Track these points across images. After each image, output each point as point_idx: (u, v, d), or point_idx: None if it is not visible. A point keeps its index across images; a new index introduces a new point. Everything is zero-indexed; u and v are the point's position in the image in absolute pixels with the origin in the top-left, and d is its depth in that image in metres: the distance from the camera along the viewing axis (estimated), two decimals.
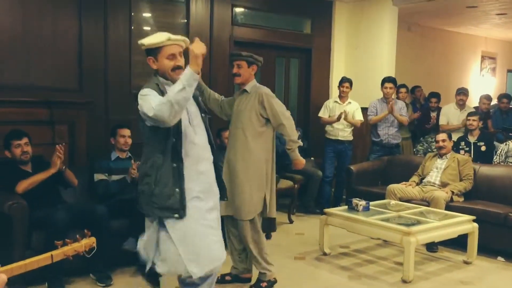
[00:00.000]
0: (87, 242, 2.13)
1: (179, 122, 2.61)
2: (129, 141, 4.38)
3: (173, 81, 2.62)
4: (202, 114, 2.83)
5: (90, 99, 4.86)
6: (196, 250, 2.64)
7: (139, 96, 2.62)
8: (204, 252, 2.66)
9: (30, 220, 3.62)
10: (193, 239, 2.64)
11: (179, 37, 2.69)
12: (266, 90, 3.59)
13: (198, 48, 2.48)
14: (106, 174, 4.22)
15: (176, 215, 2.63)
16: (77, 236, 2.12)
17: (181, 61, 2.69)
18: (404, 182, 5.32)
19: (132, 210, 3.96)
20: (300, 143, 3.71)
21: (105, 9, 5.06)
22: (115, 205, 4.02)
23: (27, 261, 1.97)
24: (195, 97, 2.80)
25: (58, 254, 2.03)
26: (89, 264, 3.76)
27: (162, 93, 2.62)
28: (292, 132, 3.59)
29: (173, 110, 2.44)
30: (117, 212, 3.97)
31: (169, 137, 2.63)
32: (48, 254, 2.00)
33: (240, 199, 3.52)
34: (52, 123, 4.51)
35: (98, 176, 4.19)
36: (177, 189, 2.62)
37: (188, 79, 2.44)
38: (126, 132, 4.37)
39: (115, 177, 4.22)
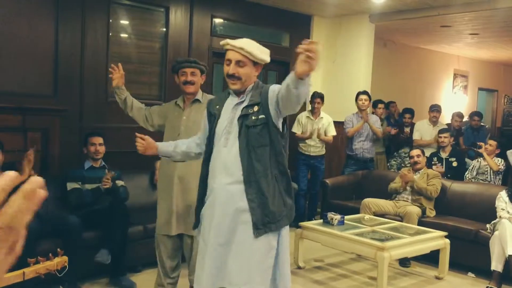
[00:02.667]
0: (60, 261, 2.12)
1: (215, 126, 2.50)
2: (101, 149, 4.30)
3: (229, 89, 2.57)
4: (243, 128, 2.42)
5: (65, 107, 4.76)
6: (196, 264, 2.61)
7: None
8: (197, 270, 2.54)
9: None
10: (198, 253, 2.57)
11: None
12: None
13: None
14: (80, 183, 4.14)
15: (195, 227, 2.59)
16: (50, 254, 2.10)
17: (232, 69, 2.48)
18: (405, 168, 5.41)
19: (106, 221, 3.91)
20: None
21: (83, 15, 4.98)
22: (88, 216, 3.94)
23: None
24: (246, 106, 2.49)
25: (30, 271, 2.01)
26: (59, 276, 3.68)
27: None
28: None
29: None
30: (90, 222, 3.90)
31: (209, 141, 2.53)
32: (20, 272, 1.97)
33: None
34: (25, 130, 4.40)
35: (71, 185, 4.11)
36: (199, 199, 2.57)
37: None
38: (97, 140, 4.30)
39: (88, 186, 4.14)
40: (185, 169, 3.34)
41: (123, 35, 5.46)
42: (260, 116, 2.38)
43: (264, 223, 2.34)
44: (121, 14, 5.41)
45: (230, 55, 2.46)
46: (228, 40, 2.47)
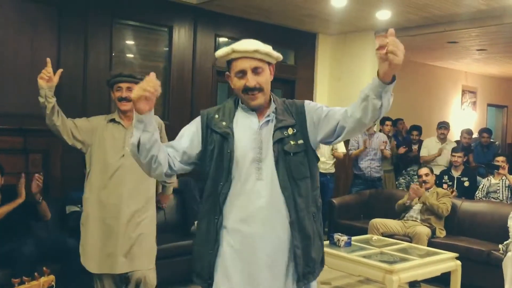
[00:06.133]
0: (46, 280, 2.03)
1: (231, 150, 1.89)
2: None
3: (248, 106, 1.95)
4: (280, 156, 1.89)
5: None
6: None
7: None
8: None
9: None
10: None
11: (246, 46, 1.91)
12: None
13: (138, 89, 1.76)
14: (79, 206, 4.05)
15: (205, 286, 1.96)
16: (36, 273, 2.02)
17: (251, 80, 1.89)
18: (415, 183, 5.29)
19: None
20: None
21: (86, 35, 4.98)
22: None
23: None
24: (281, 128, 1.92)
25: None
26: None
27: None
28: None
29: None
30: None
31: (214, 180, 1.91)
32: None
33: (152, 243, 3.30)
34: (26, 151, 4.36)
35: (70, 208, 4.03)
36: (210, 251, 1.91)
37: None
38: None
39: None
40: (135, 189, 3.16)
41: (127, 55, 5.44)
42: (299, 142, 1.90)
43: (304, 274, 1.91)
44: (124, 34, 5.40)
45: (242, 64, 1.88)
46: (235, 47, 1.87)
